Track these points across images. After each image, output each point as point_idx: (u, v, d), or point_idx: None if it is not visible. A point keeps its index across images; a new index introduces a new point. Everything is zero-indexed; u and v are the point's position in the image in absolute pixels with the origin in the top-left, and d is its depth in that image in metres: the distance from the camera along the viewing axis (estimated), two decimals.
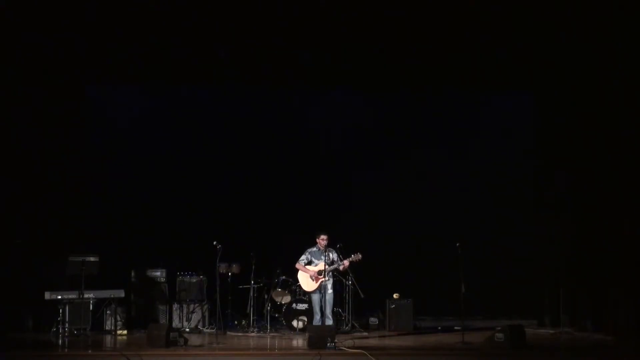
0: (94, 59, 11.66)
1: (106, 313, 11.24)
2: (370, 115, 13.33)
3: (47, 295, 10.68)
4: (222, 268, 11.19)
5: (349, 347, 9.52)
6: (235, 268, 11.63)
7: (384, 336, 11.05)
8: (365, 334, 11.20)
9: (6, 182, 11.16)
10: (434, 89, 12.89)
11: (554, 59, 11.69)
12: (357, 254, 10.73)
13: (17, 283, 11.01)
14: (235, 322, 11.75)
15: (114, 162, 12.74)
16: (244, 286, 11.68)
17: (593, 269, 11.29)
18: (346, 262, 10.76)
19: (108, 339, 10.79)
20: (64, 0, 10.52)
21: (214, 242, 10.36)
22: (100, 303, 11.15)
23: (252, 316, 11.46)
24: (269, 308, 11.46)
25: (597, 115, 11.24)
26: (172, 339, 9.70)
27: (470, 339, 10.18)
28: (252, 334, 11.12)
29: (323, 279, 10.81)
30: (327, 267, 10.78)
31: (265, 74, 12.18)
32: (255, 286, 11.57)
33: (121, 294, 11.15)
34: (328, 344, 9.41)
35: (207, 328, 11.59)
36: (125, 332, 11.14)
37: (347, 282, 11.45)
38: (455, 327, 11.29)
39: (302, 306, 11.27)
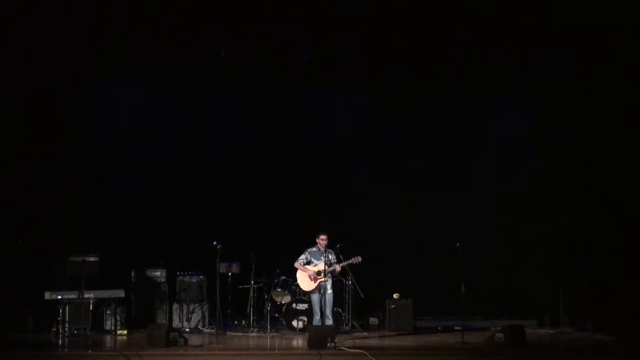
0: (94, 59, 11.66)
1: (106, 313, 11.23)
2: (370, 115, 13.35)
3: (47, 295, 10.70)
4: (222, 268, 11.20)
5: (349, 347, 9.51)
6: (235, 268, 11.65)
7: (384, 336, 11.05)
8: (365, 334, 11.20)
9: (6, 182, 11.15)
10: (435, 89, 12.90)
11: (554, 60, 11.73)
12: (356, 257, 10.70)
13: (17, 283, 11.00)
14: (235, 322, 11.75)
15: (114, 162, 12.73)
16: (244, 286, 11.69)
17: (593, 269, 11.29)
18: (338, 267, 10.70)
19: (108, 339, 10.79)
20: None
21: (214, 242, 10.35)
22: (100, 303, 11.15)
23: (252, 316, 11.46)
24: (269, 308, 11.47)
25: (597, 115, 11.23)
26: (172, 339, 9.70)
27: (470, 339, 10.19)
28: (252, 334, 11.12)
29: (322, 279, 10.80)
30: (326, 267, 10.77)
31: (266, 73, 12.20)
32: (255, 286, 11.58)
33: (121, 294, 11.16)
34: (328, 344, 9.40)
35: (207, 328, 11.59)
36: (125, 332, 11.14)
37: (347, 282, 11.45)
38: (455, 327, 11.31)
39: (302, 306, 11.27)
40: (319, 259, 10.94)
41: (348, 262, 10.68)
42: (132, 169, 12.77)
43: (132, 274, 11.93)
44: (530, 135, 12.90)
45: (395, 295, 11.67)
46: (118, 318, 11.20)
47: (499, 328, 9.84)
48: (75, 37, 11.15)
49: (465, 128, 13.29)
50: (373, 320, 11.76)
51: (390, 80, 12.48)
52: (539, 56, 11.77)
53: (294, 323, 11.24)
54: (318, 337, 9.50)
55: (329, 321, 10.63)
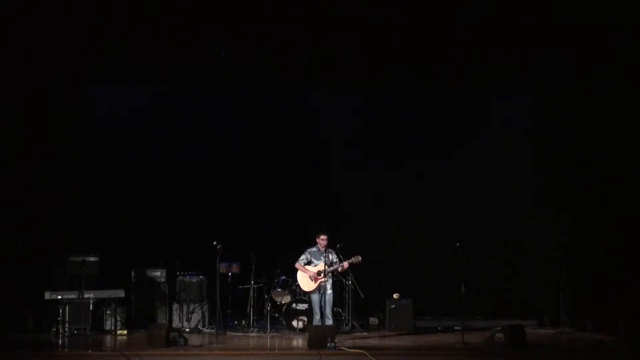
0: (94, 59, 11.66)
1: (106, 313, 11.24)
2: (370, 115, 13.35)
3: (47, 295, 10.71)
4: (222, 268, 11.20)
5: (349, 347, 9.52)
6: (235, 268, 11.65)
7: (384, 336, 11.05)
8: (365, 334, 11.20)
9: (6, 182, 11.15)
10: (435, 89, 12.90)
11: (554, 60, 11.73)
12: (356, 256, 10.70)
13: (17, 283, 11.00)
14: (235, 322, 11.75)
15: (113, 162, 12.76)
16: (244, 286, 11.69)
17: (593, 269, 11.29)
18: (345, 264, 10.73)
19: (108, 339, 10.79)
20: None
21: (214, 242, 10.35)
22: (100, 303, 11.16)
23: (252, 316, 11.46)
24: (269, 308, 11.47)
25: (597, 116, 11.23)
26: (172, 339, 9.70)
27: (470, 339, 10.18)
28: (252, 334, 11.12)
29: (322, 279, 10.80)
30: (326, 267, 10.77)
31: (266, 74, 12.19)
32: (255, 286, 11.58)
33: (121, 294, 11.16)
34: (328, 344, 9.41)
35: (207, 328, 11.59)
36: (125, 332, 11.14)
37: (347, 282, 11.45)
38: (455, 327, 11.31)
39: (302, 306, 11.26)
40: (319, 259, 10.94)
41: (350, 260, 10.68)
42: (132, 169, 12.78)
43: (132, 274, 11.93)
44: (530, 136, 12.89)
45: (395, 295, 11.67)
46: (118, 318, 11.20)
47: (499, 328, 9.84)
48: (75, 37, 11.14)
49: (465, 128, 13.28)
50: (373, 320, 11.75)
51: (390, 80, 12.47)
52: (539, 56, 11.77)
53: (294, 323, 11.24)
54: (318, 337, 9.51)
55: (329, 321, 10.64)
